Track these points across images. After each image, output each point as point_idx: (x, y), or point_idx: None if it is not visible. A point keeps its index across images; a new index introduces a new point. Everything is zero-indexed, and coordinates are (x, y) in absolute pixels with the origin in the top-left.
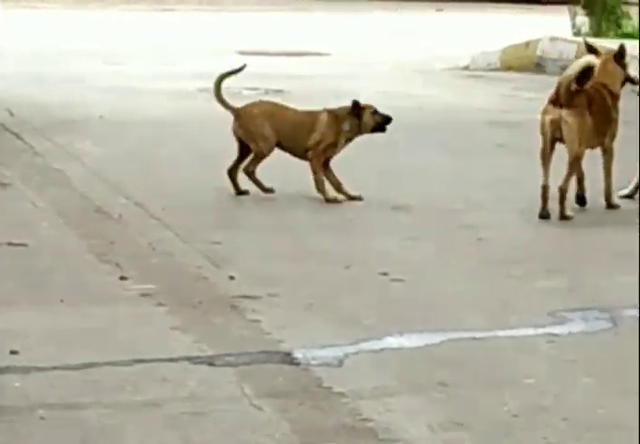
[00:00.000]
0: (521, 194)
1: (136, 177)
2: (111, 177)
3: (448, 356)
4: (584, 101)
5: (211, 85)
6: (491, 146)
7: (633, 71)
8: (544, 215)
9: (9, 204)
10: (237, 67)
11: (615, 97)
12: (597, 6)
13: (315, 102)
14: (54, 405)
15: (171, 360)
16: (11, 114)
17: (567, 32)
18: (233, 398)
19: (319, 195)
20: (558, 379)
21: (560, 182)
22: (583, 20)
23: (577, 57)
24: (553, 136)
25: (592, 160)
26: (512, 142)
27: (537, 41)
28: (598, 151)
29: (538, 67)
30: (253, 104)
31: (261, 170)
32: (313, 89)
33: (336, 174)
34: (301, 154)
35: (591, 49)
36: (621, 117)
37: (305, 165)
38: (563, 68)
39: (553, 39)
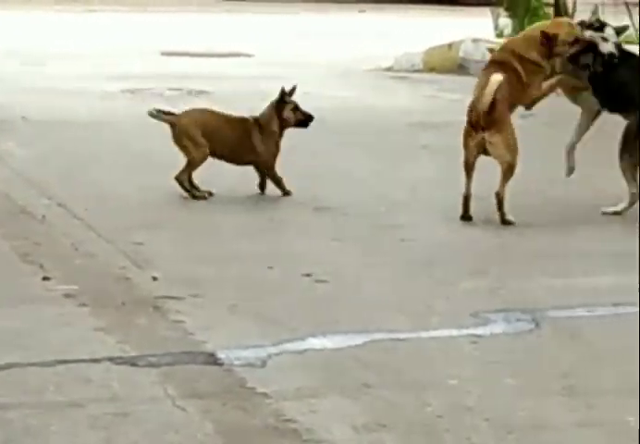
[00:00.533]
0: (444, 195)
1: (59, 177)
2: (34, 177)
3: (371, 357)
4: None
5: (135, 86)
6: (415, 147)
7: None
8: (465, 217)
9: None
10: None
11: (529, 62)
12: (520, 8)
13: (239, 103)
14: None
15: (94, 360)
16: None
17: (490, 34)
18: (156, 398)
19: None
20: (481, 380)
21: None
22: (505, 22)
23: None
24: (479, 153)
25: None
26: (436, 144)
27: (460, 42)
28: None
29: (461, 68)
30: (185, 113)
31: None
32: (237, 90)
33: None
34: (236, 160)
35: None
36: (545, 119)
37: (232, 167)
38: None
39: (476, 40)
